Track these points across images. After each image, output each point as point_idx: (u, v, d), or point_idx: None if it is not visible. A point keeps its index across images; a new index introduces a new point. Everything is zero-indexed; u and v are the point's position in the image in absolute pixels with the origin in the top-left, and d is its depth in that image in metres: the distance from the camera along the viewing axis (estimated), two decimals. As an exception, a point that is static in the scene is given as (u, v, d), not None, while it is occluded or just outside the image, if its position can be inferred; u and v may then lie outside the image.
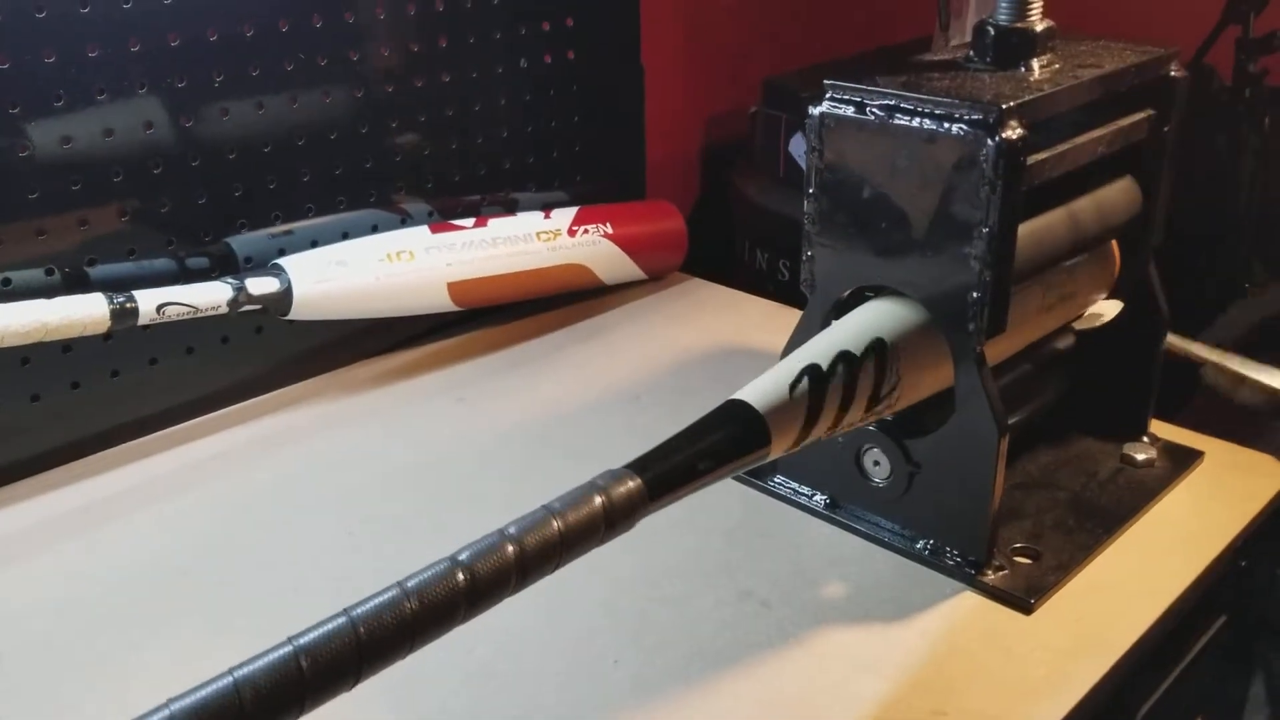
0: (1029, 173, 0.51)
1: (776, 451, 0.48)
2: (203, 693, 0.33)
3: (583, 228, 0.84)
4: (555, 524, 0.40)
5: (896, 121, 0.51)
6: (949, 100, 0.50)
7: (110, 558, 0.59)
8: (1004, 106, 0.49)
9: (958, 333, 0.52)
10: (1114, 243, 0.64)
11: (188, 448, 0.70)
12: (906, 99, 0.51)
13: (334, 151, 0.76)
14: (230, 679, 0.33)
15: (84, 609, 0.55)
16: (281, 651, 0.34)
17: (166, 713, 0.32)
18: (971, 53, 0.56)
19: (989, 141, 0.49)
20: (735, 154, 1.14)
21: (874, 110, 0.52)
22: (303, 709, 0.34)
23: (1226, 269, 0.94)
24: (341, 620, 0.36)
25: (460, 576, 0.37)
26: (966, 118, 0.49)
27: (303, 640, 0.35)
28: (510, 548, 0.39)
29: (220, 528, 0.62)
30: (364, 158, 0.78)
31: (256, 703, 0.33)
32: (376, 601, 0.36)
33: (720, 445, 0.47)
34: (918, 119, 0.51)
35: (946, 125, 0.50)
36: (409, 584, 0.37)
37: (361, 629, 0.35)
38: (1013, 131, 0.49)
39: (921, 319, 0.53)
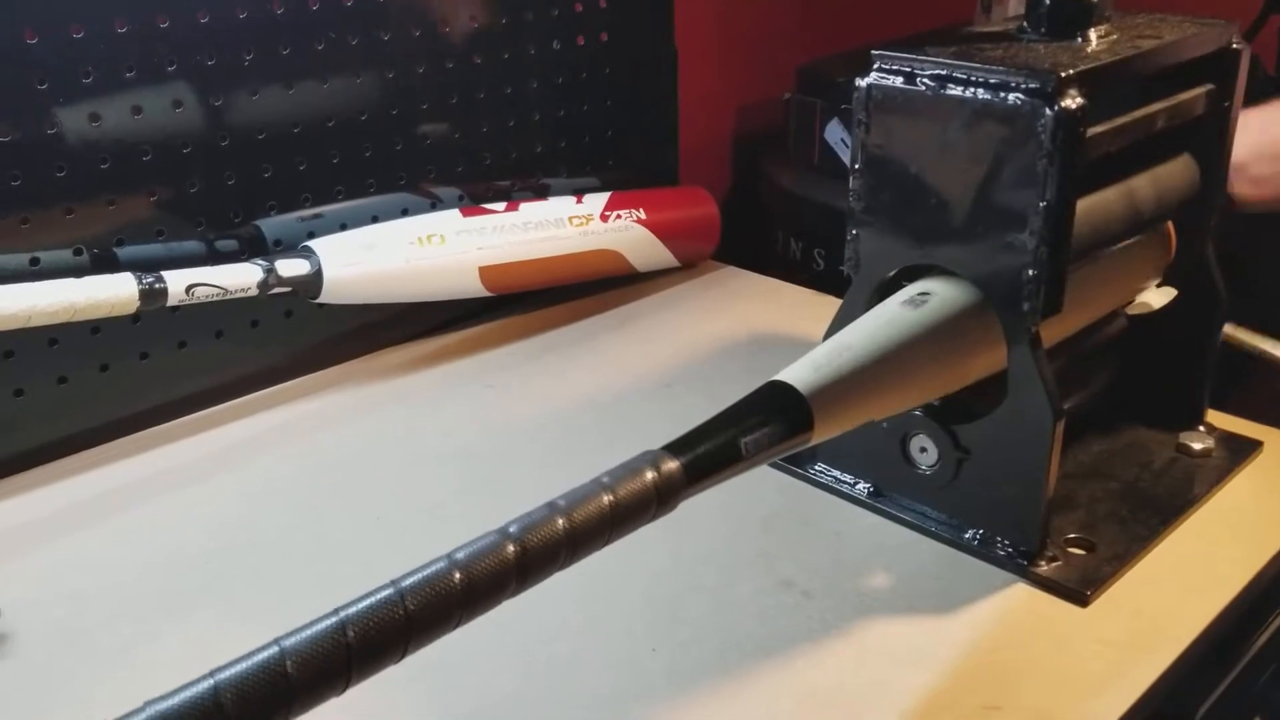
0: (1087, 146, 0.48)
1: (820, 436, 0.47)
2: (245, 664, 0.31)
3: (615, 213, 0.83)
4: (606, 498, 0.38)
5: (948, 92, 0.49)
6: (1004, 69, 0.48)
7: (135, 544, 0.58)
8: (1063, 75, 0.47)
9: (1011, 313, 0.50)
10: (1169, 224, 0.62)
11: (215, 432, 0.69)
12: (959, 68, 0.49)
13: (364, 133, 0.75)
14: (278, 647, 0.32)
15: (106, 595, 0.54)
16: (328, 623, 0.33)
17: (210, 683, 0.31)
18: (1025, 23, 0.54)
19: (1047, 111, 0.46)
20: (768, 142, 1.12)
21: (924, 80, 0.50)
22: (348, 683, 0.33)
23: (1270, 260, 0.91)
24: (389, 592, 0.34)
25: (510, 549, 0.36)
26: (1024, 86, 0.47)
27: (349, 611, 0.33)
28: (560, 521, 0.37)
29: (247, 514, 0.61)
30: (394, 140, 0.76)
31: (301, 675, 0.31)
32: (424, 574, 0.35)
33: (761, 428, 0.45)
34: (971, 89, 0.49)
35: (1002, 95, 0.48)
36: (458, 556, 0.35)
37: (409, 601, 0.34)
38: (1072, 101, 0.47)
39: (972, 299, 0.51)
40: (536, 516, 0.37)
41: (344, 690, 0.33)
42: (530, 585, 0.37)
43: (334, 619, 0.33)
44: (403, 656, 0.34)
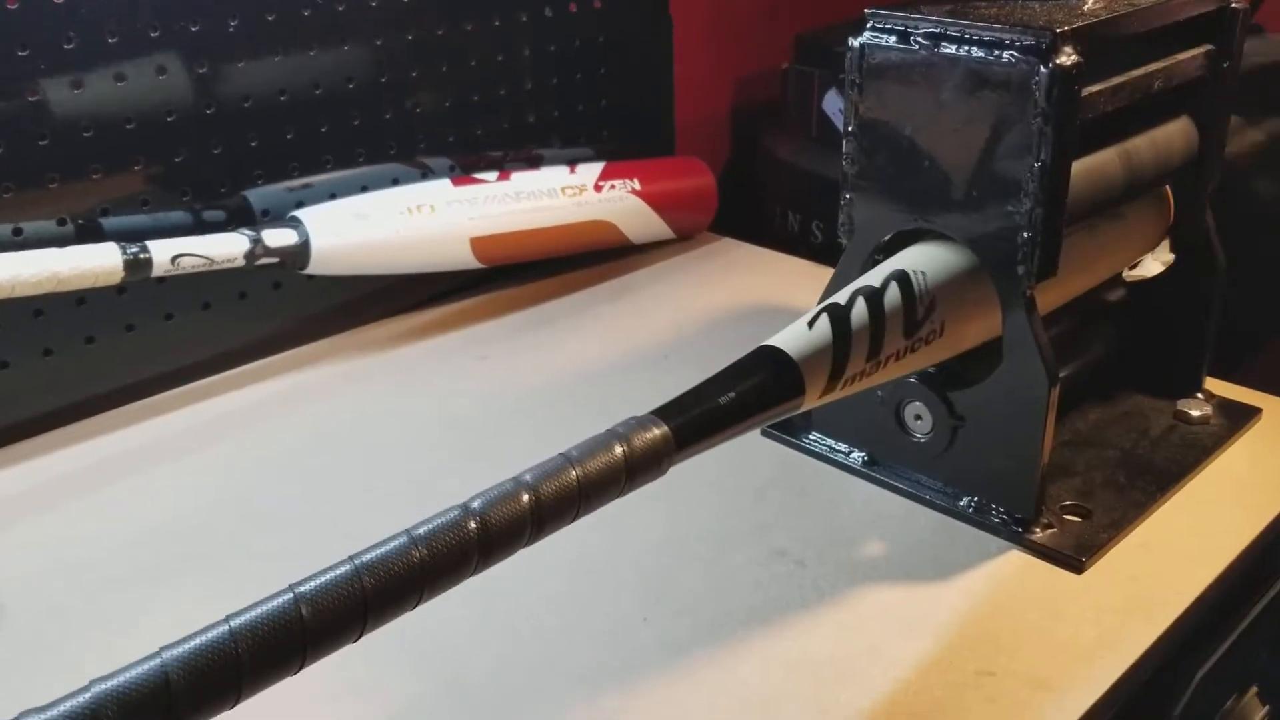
0: (1083, 105, 0.48)
1: (811, 399, 0.46)
2: (261, 608, 0.31)
3: (610, 183, 0.82)
4: (573, 472, 0.38)
5: (943, 51, 0.48)
6: (999, 26, 0.47)
7: (123, 516, 0.58)
8: (1058, 31, 0.46)
9: (1006, 276, 0.50)
10: (1168, 189, 0.61)
11: (203, 405, 0.68)
12: (953, 26, 0.48)
13: (353, 102, 0.74)
14: (227, 627, 0.31)
15: (95, 567, 0.53)
16: (282, 599, 0.32)
17: (226, 627, 0.30)
18: (1021, -18, 0.53)
19: (1042, 69, 0.46)
20: (766, 113, 1.11)
21: (918, 39, 0.49)
22: (304, 661, 0.32)
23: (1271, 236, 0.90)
24: (346, 568, 0.33)
25: (471, 525, 0.35)
26: (1018, 44, 0.46)
27: (304, 588, 0.32)
28: (525, 496, 0.36)
29: (235, 486, 0.60)
30: (383, 109, 0.75)
31: (253, 651, 0.30)
32: (383, 550, 0.34)
33: (752, 392, 0.44)
34: (966, 47, 0.48)
35: (996, 53, 0.47)
36: (417, 531, 0.35)
37: (366, 578, 0.33)
38: (1067, 58, 0.46)
39: (967, 263, 0.50)
40: (499, 491, 0.36)
41: (299, 671, 0.32)
42: (495, 562, 0.36)
43: (289, 594, 0.32)
44: (417, 603, 0.34)
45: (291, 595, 0.32)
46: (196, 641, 0.30)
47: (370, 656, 0.42)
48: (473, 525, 0.35)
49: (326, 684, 0.45)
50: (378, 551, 0.34)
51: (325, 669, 0.34)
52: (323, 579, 0.32)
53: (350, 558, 0.33)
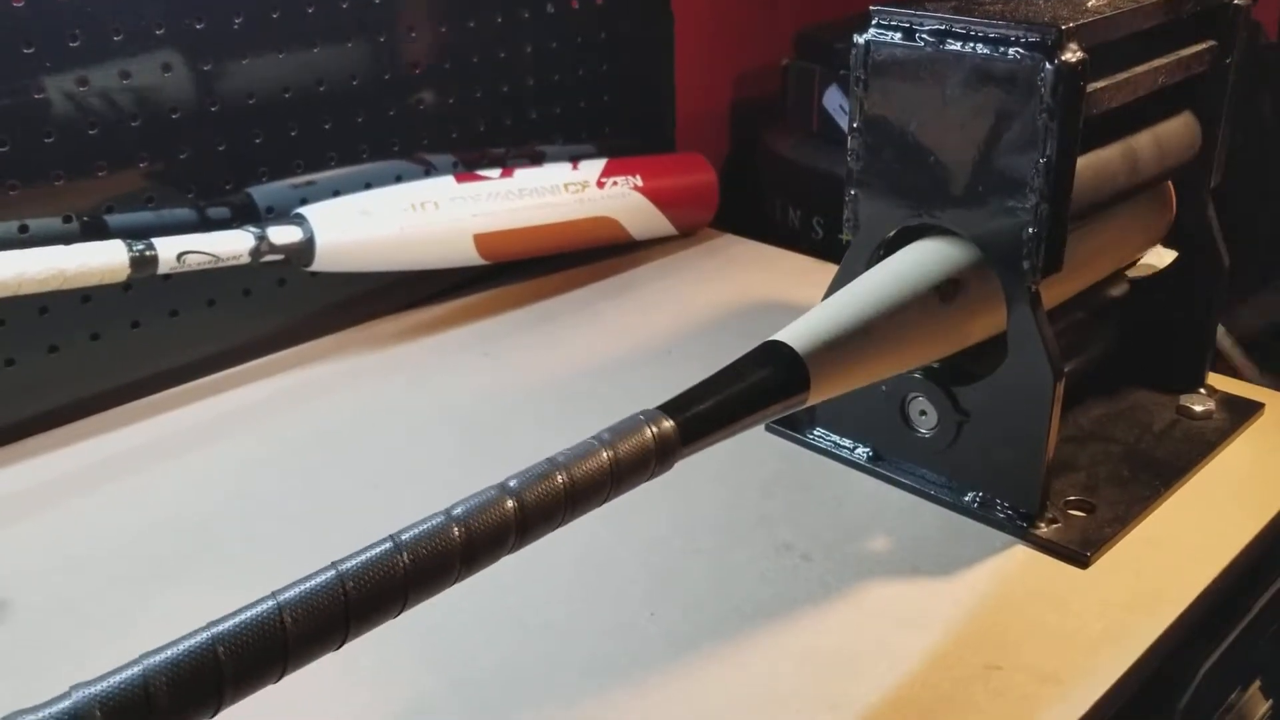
0: (1088, 101, 0.48)
1: (816, 396, 0.46)
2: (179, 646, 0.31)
3: (612, 179, 0.82)
4: (605, 454, 0.38)
5: (948, 47, 0.49)
6: (1004, 23, 0.47)
7: (129, 512, 0.58)
8: (1063, 28, 0.46)
9: (1011, 271, 0.50)
10: (1170, 184, 0.61)
11: (209, 402, 0.68)
12: (958, 22, 0.48)
13: (356, 99, 0.74)
14: (208, 634, 0.31)
15: (101, 563, 0.54)
16: (264, 607, 0.32)
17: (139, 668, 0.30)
18: (1025, -22, 0.53)
19: (1047, 65, 0.46)
20: (766, 109, 1.11)
21: (923, 36, 0.49)
22: (285, 669, 0.32)
23: (1270, 231, 0.91)
24: (387, 545, 0.34)
25: (510, 504, 0.35)
26: (1024, 40, 0.46)
27: (285, 595, 0.32)
28: (560, 476, 0.37)
29: (241, 483, 0.60)
30: (387, 106, 0.76)
31: (235, 659, 0.30)
32: (422, 528, 0.34)
33: (758, 387, 0.44)
34: (971, 44, 0.48)
35: (1002, 49, 0.47)
36: (456, 511, 0.35)
37: (406, 555, 0.33)
38: (1073, 54, 0.46)
39: (972, 258, 0.51)
40: (536, 472, 0.37)
41: (279, 678, 0.32)
42: (529, 542, 0.36)
43: (271, 602, 0.32)
44: (401, 610, 0.34)
45: (274, 603, 0.32)
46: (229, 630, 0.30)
47: (377, 651, 0.42)
48: (510, 504, 0.35)
49: (334, 677, 0.45)
50: (417, 530, 0.34)
51: (332, 663, 0.34)
52: (363, 558, 0.33)
53: (391, 536, 0.34)
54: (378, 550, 0.34)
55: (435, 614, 0.38)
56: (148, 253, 0.61)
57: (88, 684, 0.29)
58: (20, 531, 0.56)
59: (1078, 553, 0.51)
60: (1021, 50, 0.47)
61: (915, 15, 0.50)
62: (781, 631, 0.48)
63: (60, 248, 0.59)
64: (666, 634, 0.48)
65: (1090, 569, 0.51)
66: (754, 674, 0.46)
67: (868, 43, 0.51)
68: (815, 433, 0.61)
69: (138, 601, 0.51)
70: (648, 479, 0.40)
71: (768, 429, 0.62)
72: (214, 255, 0.64)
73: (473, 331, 0.77)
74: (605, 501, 0.39)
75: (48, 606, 0.51)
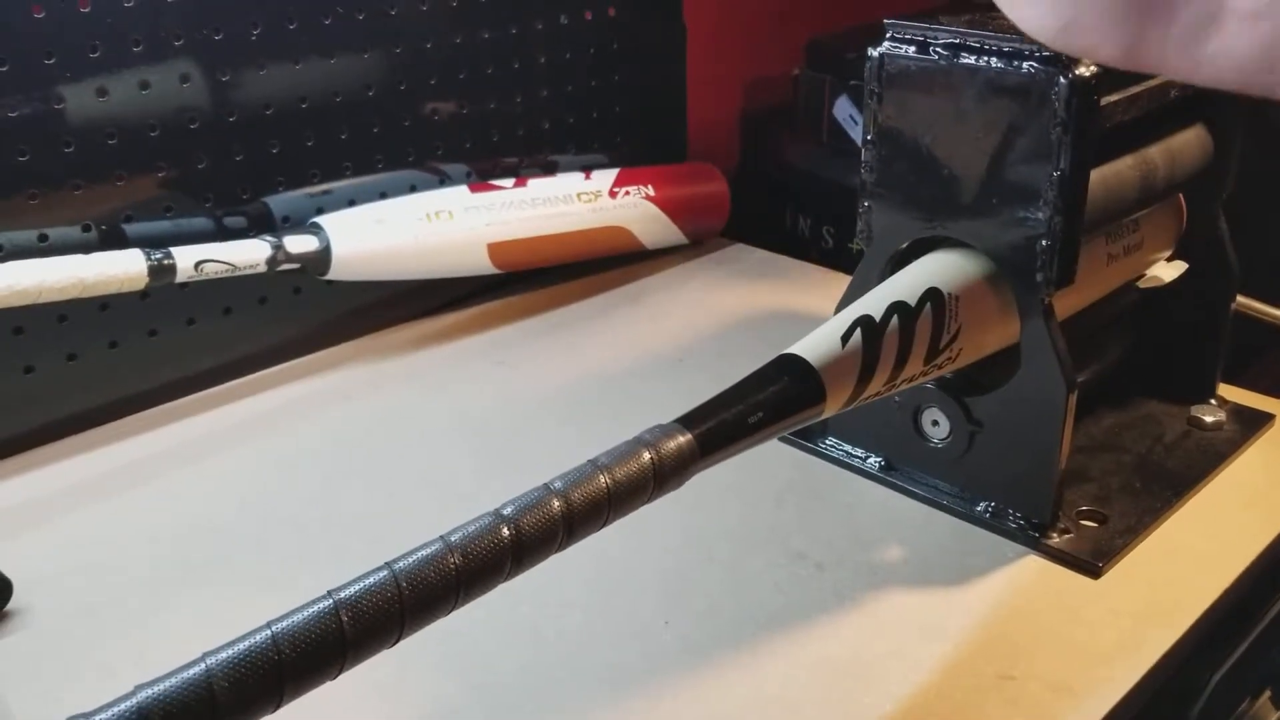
0: (1101, 114, 0.48)
1: (832, 408, 0.46)
2: (240, 645, 0.31)
3: (624, 189, 0.83)
4: (603, 479, 0.38)
5: (962, 61, 0.49)
6: (1018, 38, 0.47)
7: (147, 518, 0.58)
8: (1077, 42, 0.46)
9: (1024, 284, 0.50)
10: (1180, 196, 0.61)
11: (225, 410, 0.69)
12: (972, 36, 0.49)
13: (372, 109, 0.74)
14: (269, 632, 0.32)
15: (120, 569, 0.54)
16: (321, 605, 0.32)
17: (202, 666, 0.31)
18: (1038, -8, 0.54)
19: (1061, 79, 0.46)
20: (777, 119, 1.12)
21: (938, 50, 0.50)
22: (343, 666, 0.33)
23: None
24: (384, 574, 0.34)
25: (505, 531, 0.36)
26: (1038, 55, 0.47)
27: (343, 594, 0.33)
28: (556, 503, 0.37)
29: (257, 490, 0.61)
30: (402, 116, 0.76)
31: (295, 657, 0.31)
32: (419, 555, 0.35)
33: (774, 400, 0.45)
34: (985, 58, 0.48)
35: (1016, 63, 0.47)
36: (452, 538, 0.35)
37: (404, 583, 0.33)
38: (1086, 68, 0.46)
39: (985, 270, 0.51)
40: (531, 498, 0.37)
41: (337, 675, 0.33)
42: (526, 568, 0.36)
43: (328, 600, 0.32)
44: (399, 639, 0.34)
45: (331, 602, 0.32)
46: (241, 647, 0.31)
47: (396, 658, 0.43)
48: (506, 532, 0.36)
49: (353, 685, 0.45)
50: (414, 558, 0.34)
51: (352, 671, 0.34)
52: (416, 557, 0.33)
53: (387, 564, 0.34)
54: (430, 550, 0.34)
55: (452, 621, 0.38)
56: (166, 261, 0.62)
57: (151, 683, 0.30)
58: (40, 537, 0.57)
59: (1090, 563, 0.51)
60: (1035, 64, 0.47)
61: (929, 29, 0.50)
62: (795, 640, 0.48)
63: (79, 256, 0.59)
64: (681, 642, 0.48)
65: (1102, 579, 0.51)
66: (767, 682, 0.46)
67: (882, 56, 0.52)
68: (828, 442, 0.61)
69: (157, 606, 0.51)
70: (664, 494, 0.40)
71: (780, 438, 0.62)
72: (231, 264, 0.64)
73: (486, 340, 0.77)
74: (644, 505, 0.39)
75: (68, 611, 0.51)
